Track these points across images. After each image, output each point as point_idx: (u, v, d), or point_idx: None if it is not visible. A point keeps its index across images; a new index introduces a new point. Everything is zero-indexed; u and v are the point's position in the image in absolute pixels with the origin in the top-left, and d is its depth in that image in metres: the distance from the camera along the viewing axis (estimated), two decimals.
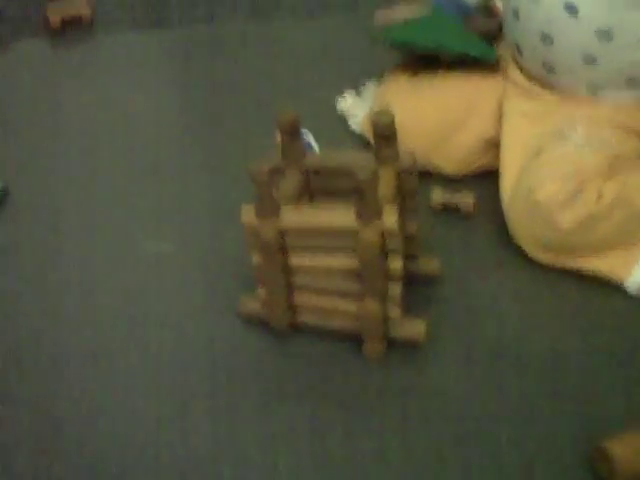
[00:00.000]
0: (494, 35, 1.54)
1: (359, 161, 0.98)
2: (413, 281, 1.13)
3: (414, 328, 1.09)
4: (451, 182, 1.33)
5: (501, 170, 1.23)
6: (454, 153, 1.32)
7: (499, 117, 1.29)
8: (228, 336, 1.17)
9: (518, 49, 1.26)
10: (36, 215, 1.40)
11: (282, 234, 1.04)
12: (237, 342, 1.16)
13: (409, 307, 1.11)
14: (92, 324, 1.21)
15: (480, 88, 1.32)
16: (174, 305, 1.23)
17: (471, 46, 1.37)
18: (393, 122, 1.01)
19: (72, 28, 1.85)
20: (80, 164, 1.50)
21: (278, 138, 1.33)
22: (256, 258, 1.08)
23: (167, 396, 1.11)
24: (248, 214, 1.04)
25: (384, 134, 1.02)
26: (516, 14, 1.22)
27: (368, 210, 0.97)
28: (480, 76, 1.34)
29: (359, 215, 0.98)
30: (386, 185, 1.01)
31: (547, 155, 1.16)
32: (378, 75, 1.49)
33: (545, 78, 1.23)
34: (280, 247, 1.04)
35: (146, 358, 1.15)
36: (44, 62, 1.79)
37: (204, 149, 1.50)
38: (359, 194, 0.96)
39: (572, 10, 1.14)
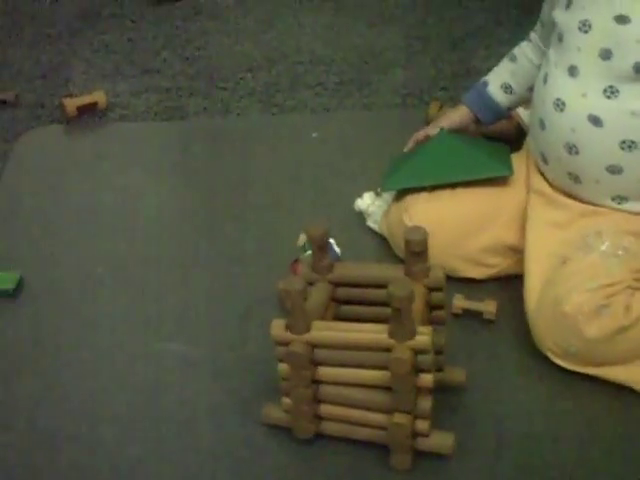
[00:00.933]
0: (511, 137, 1.57)
1: (391, 276, 0.98)
2: (438, 389, 1.13)
3: (442, 441, 1.08)
4: (472, 285, 1.34)
5: (525, 278, 1.24)
6: (474, 257, 1.33)
7: (519, 224, 1.30)
8: (249, 441, 1.16)
9: (543, 158, 1.28)
10: (50, 307, 1.40)
11: (312, 348, 1.04)
12: (258, 448, 1.15)
13: (433, 415, 1.10)
14: (108, 423, 1.19)
15: (500, 196, 1.34)
16: (193, 407, 1.21)
17: (481, 168, 1.37)
18: (425, 239, 1.02)
19: (87, 115, 1.86)
20: (94, 254, 1.50)
21: (300, 241, 1.35)
22: (283, 369, 1.08)
23: None
24: (278, 328, 1.04)
25: (416, 250, 1.03)
26: (542, 124, 1.25)
27: (403, 328, 0.97)
28: (501, 184, 1.35)
29: (393, 333, 0.98)
30: (418, 301, 1.01)
31: (573, 265, 1.17)
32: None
33: (570, 187, 1.25)
34: (309, 361, 1.04)
35: (164, 461, 1.14)
36: (58, 149, 1.80)
37: (220, 243, 1.51)
38: (394, 312, 0.96)
39: (596, 122, 1.16)
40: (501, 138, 1.62)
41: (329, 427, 1.12)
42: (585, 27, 1.18)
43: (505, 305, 1.31)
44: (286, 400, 1.11)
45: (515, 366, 1.23)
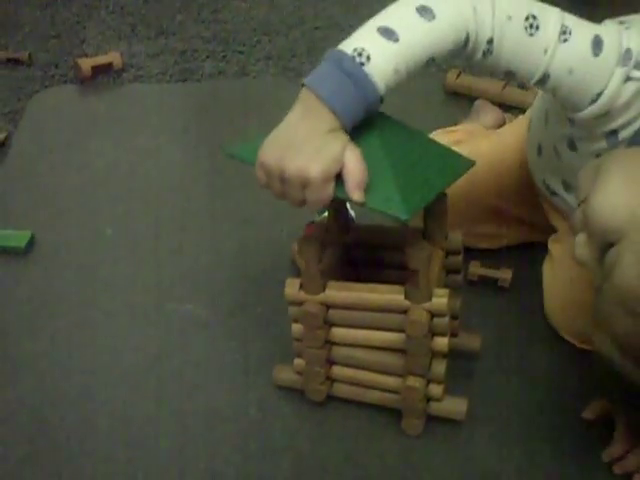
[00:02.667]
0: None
1: (409, 238, 0.97)
2: (452, 355, 1.12)
3: (455, 407, 1.08)
4: (487, 253, 1.32)
5: (550, 253, 1.22)
6: (478, 229, 1.30)
7: (522, 195, 1.27)
8: (260, 403, 1.15)
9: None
10: (61, 266, 1.39)
11: (326, 308, 1.03)
12: (269, 410, 1.15)
13: (447, 381, 1.09)
14: (118, 384, 1.19)
15: (510, 175, 1.29)
16: (204, 368, 1.21)
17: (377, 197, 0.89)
18: (445, 203, 1.00)
19: (102, 76, 1.85)
20: (106, 213, 1.49)
21: None
22: (296, 330, 1.07)
23: (197, 464, 1.09)
24: (292, 287, 1.03)
25: (436, 215, 1.02)
26: (539, 149, 1.19)
27: (419, 290, 0.96)
28: (509, 162, 1.29)
29: (409, 294, 0.97)
30: (435, 264, 1.00)
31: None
32: None
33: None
34: (323, 321, 1.03)
35: (174, 422, 1.14)
36: (72, 109, 1.78)
37: (233, 206, 1.49)
38: (412, 274, 0.95)
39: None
40: (518, 108, 1.60)
41: (341, 389, 1.12)
42: None
43: (521, 273, 1.29)
44: (298, 361, 1.10)
45: (529, 334, 1.22)
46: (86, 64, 1.83)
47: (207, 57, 1.91)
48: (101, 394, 1.17)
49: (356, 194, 0.85)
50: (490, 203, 1.28)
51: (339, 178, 0.86)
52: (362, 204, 0.86)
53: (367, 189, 0.86)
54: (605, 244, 0.79)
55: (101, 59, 1.86)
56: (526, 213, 1.28)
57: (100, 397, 1.17)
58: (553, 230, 1.24)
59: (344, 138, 0.85)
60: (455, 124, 1.53)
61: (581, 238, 0.82)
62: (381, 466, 1.07)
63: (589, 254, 0.82)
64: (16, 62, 1.91)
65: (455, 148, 1.27)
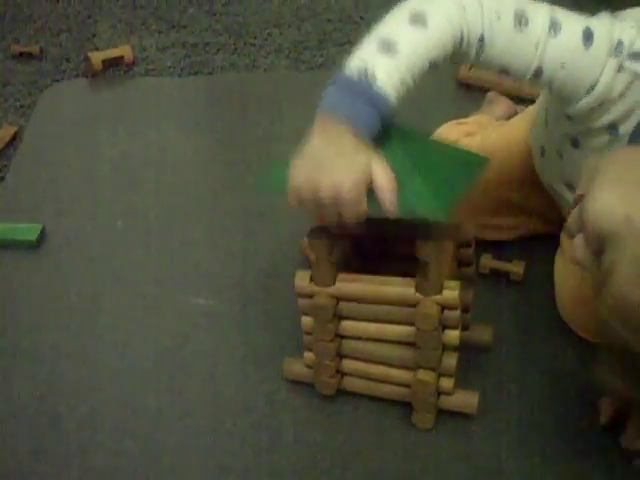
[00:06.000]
0: None
1: (420, 230, 0.96)
2: (463, 348, 1.11)
3: (467, 400, 1.07)
4: (500, 246, 1.31)
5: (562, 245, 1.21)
6: (495, 222, 1.30)
7: (542, 191, 1.26)
8: (270, 396, 1.15)
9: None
10: (72, 259, 1.39)
11: (336, 301, 1.02)
12: (279, 403, 1.14)
13: (458, 375, 1.09)
14: (129, 376, 1.19)
15: (521, 166, 1.27)
16: (215, 361, 1.21)
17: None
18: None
19: (113, 69, 1.85)
20: (117, 206, 1.49)
21: None
22: (306, 323, 1.06)
23: (206, 457, 1.08)
24: (302, 279, 1.02)
25: None
26: (542, 150, 1.19)
27: (430, 282, 0.95)
28: (521, 153, 1.27)
29: (420, 287, 0.96)
30: (446, 256, 0.99)
31: None
32: None
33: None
34: (333, 314, 1.02)
35: (184, 414, 1.13)
36: (83, 103, 1.78)
37: (244, 198, 1.49)
38: (422, 265, 0.94)
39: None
40: (531, 100, 1.58)
41: (351, 383, 1.11)
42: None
43: (533, 266, 1.28)
44: (309, 354, 1.09)
45: (541, 328, 1.21)
46: (97, 58, 1.82)
47: (218, 50, 1.90)
48: (111, 386, 1.17)
49: (390, 207, 0.89)
50: (502, 195, 1.27)
51: (370, 193, 0.88)
52: (395, 215, 0.89)
53: (397, 197, 0.89)
54: (601, 248, 0.77)
55: (112, 53, 1.86)
56: (539, 205, 1.27)
57: (110, 389, 1.17)
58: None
59: (369, 152, 0.88)
60: (466, 116, 1.52)
61: (579, 240, 0.80)
62: (391, 460, 1.06)
63: (587, 257, 0.79)
64: (28, 56, 1.91)
65: (465, 140, 1.27)
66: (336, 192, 0.87)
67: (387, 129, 0.91)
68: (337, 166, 0.87)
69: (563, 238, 1.21)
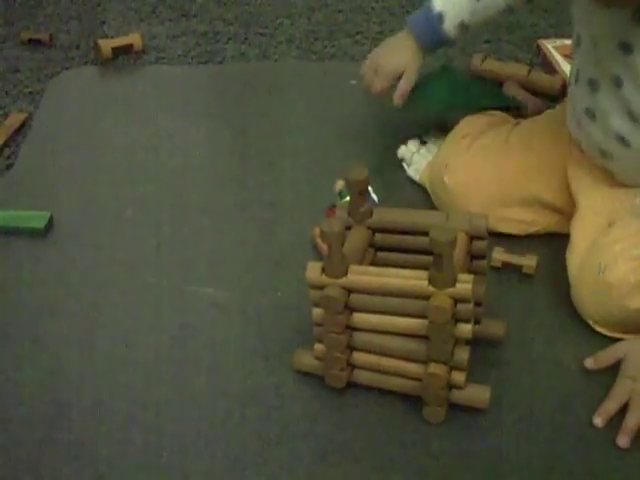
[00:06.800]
0: (556, 93, 1.52)
1: (433, 222, 0.95)
2: (475, 342, 1.10)
3: (478, 394, 1.06)
4: (513, 240, 1.30)
5: (571, 238, 1.20)
6: (512, 214, 1.29)
7: (560, 182, 1.26)
8: (279, 388, 1.14)
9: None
10: (80, 247, 1.38)
11: (348, 293, 1.01)
12: (288, 395, 1.13)
13: (470, 369, 1.08)
14: (136, 366, 1.18)
15: (543, 152, 1.29)
16: (223, 352, 1.19)
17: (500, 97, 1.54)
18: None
19: (122, 57, 1.84)
20: (126, 195, 1.48)
21: (337, 187, 1.32)
22: (317, 314, 1.05)
23: (214, 448, 1.07)
24: (314, 271, 1.01)
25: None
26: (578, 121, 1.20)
27: (443, 275, 0.94)
28: (543, 146, 1.29)
29: (433, 279, 0.95)
30: (459, 249, 0.98)
31: (619, 230, 1.12)
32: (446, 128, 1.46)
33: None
34: (345, 306, 1.01)
35: (191, 405, 1.12)
36: (92, 90, 1.78)
37: (254, 189, 1.48)
38: (435, 258, 0.93)
39: (623, 141, 1.12)
40: (544, 93, 1.58)
41: (362, 376, 1.10)
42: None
43: (546, 260, 1.27)
44: (319, 346, 1.08)
45: (554, 322, 1.20)
46: (106, 45, 1.82)
47: (229, 39, 1.90)
48: (119, 376, 1.16)
49: (397, 99, 1.40)
50: (521, 188, 1.26)
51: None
52: (397, 105, 1.40)
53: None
54: None
55: (121, 40, 1.85)
56: (558, 201, 1.26)
57: (116, 379, 1.16)
58: None
59: (413, 56, 1.35)
60: None
61: None
62: (402, 453, 1.05)
63: None
64: (37, 43, 1.90)
65: (485, 135, 1.26)
66: (374, 65, 1.38)
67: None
68: (384, 52, 1.40)
69: (573, 232, 1.20)
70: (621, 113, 1.10)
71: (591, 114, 1.15)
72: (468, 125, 1.38)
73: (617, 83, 1.08)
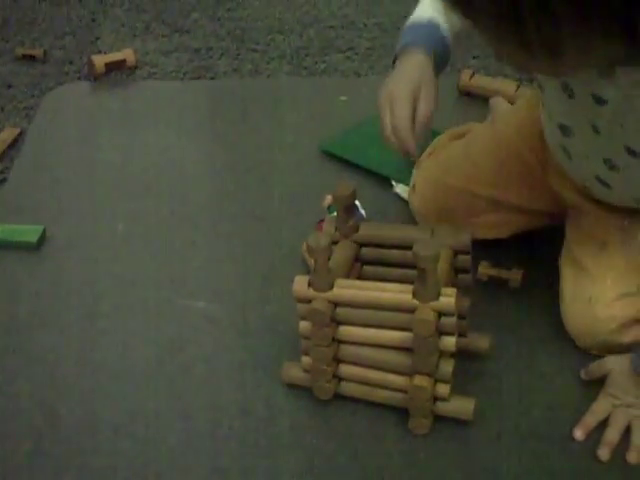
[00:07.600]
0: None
1: (417, 237, 0.97)
2: (461, 356, 1.12)
3: (463, 406, 1.07)
4: (498, 253, 1.31)
5: (562, 261, 1.21)
6: (480, 222, 1.29)
7: (528, 187, 1.26)
8: (267, 400, 1.15)
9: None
10: (73, 261, 1.40)
11: (334, 306, 1.03)
12: (277, 406, 1.14)
13: (455, 382, 1.09)
14: (127, 379, 1.19)
15: (504, 163, 1.27)
16: (213, 365, 1.21)
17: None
18: None
19: (116, 73, 1.86)
20: (118, 209, 1.49)
21: (326, 202, 1.34)
22: (304, 327, 1.07)
23: (204, 460, 1.08)
24: (300, 284, 1.03)
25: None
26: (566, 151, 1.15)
27: (427, 289, 0.96)
28: (505, 149, 1.27)
29: (417, 293, 0.97)
30: (443, 263, 1.00)
31: (610, 257, 1.13)
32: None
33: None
34: (331, 319, 1.03)
35: (182, 417, 1.13)
36: (86, 106, 1.80)
37: (244, 203, 1.50)
38: (419, 272, 0.95)
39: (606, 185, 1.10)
40: None
41: (348, 388, 1.12)
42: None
43: (532, 274, 1.29)
44: (306, 359, 1.10)
45: (539, 336, 1.21)
46: (100, 61, 1.84)
47: (221, 55, 1.92)
48: (110, 389, 1.18)
49: (421, 118, 1.10)
50: (489, 193, 1.27)
51: None
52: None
53: None
54: None
55: (115, 56, 1.87)
56: (525, 202, 1.26)
57: (109, 392, 1.17)
58: (554, 216, 1.24)
59: (425, 72, 1.12)
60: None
61: None
62: (387, 465, 1.06)
63: None
64: (31, 58, 1.92)
65: (455, 142, 1.28)
66: (389, 97, 1.10)
67: None
68: (395, 79, 1.12)
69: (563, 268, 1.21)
70: (597, 159, 1.07)
71: (567, 153, 1.13)
72: (435, 142, 1.40)
73: (595, 130, 1.03)
